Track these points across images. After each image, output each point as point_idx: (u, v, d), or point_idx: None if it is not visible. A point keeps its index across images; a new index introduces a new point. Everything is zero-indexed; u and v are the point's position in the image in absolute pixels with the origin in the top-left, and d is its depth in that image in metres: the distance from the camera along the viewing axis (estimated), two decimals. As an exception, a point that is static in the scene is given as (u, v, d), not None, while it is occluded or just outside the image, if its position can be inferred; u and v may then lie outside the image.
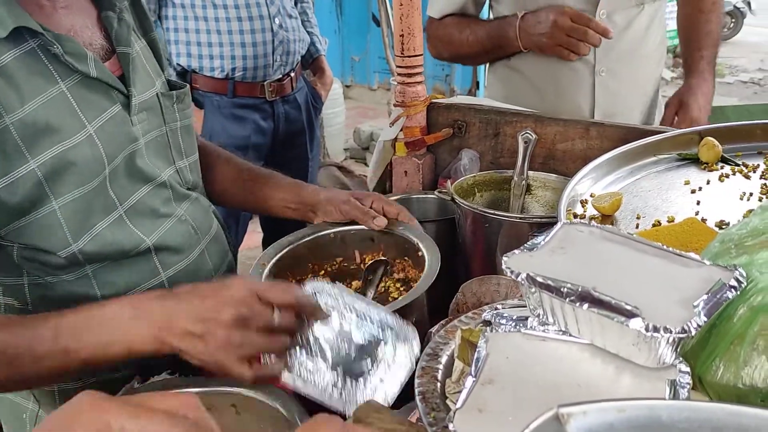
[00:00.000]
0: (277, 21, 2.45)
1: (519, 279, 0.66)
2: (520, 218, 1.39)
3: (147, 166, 1.11)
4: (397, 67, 1.70)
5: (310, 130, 2.71)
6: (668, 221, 1.15)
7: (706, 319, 0.59)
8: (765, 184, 1.24)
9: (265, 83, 2.46)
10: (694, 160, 1.37)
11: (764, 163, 1.32)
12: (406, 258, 1.29)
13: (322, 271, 1.32)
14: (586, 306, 0.62)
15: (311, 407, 1.02)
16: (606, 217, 1.20)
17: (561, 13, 1.64)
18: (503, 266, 0.68)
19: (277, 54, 2.48)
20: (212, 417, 0.78)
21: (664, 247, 0.69)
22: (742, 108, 3.61)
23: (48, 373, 0.91)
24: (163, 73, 1.22)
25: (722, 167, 1.33)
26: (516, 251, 0.71)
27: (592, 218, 1.20)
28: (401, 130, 1.74)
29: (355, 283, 1.32)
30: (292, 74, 2.57)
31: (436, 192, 1.53)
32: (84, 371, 1.02)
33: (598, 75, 1.77)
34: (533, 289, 0.66)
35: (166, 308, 0.89)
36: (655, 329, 0.58)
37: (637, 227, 1.16)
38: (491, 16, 1.92)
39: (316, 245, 1.30)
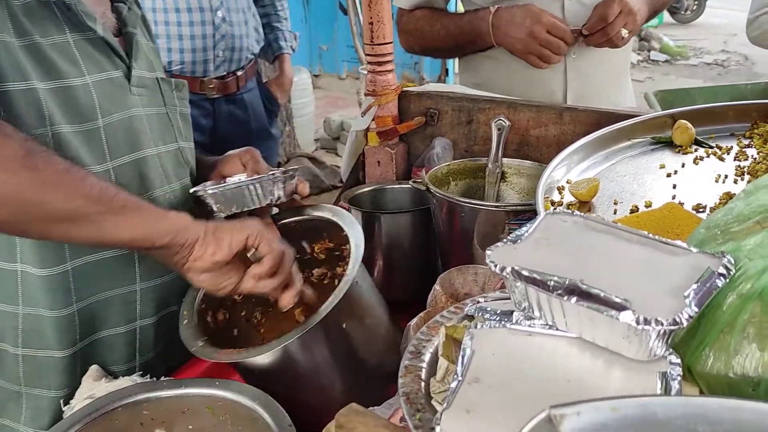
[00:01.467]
0: (219, 14, 2.33)
1: (504, 273, 0.64)
2: (496, 206, 1.37)
3: (148, 135, 1.16)
4: (367, 55, 1.67)
5: (263, 133, 2.60)
6: (646, 206, 1.14)
7: (697, 309, 0.57)
8: (739, 166, 1.24)
9: (205, 79, 2.35)
10: (668, 144, 1.36)
11: (737, 144, 1.32)
12: (348, 244, 1.24)
13: None
14: (574, 299, 0.60)
15: (289, 409, 1.00)
16: (583, 204, 1.18)
17: (538, 23, 1.61)
18: (487, 260, 0.66)
19: (219, 49, 2.35)
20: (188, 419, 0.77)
21: (650, 235, 0.67)
22: (708, 90, 3.65)
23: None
24: (161, 70, 1.27)
25: (696, 150, 1.33)
26: (499, 244, 0.68)
27: (569, 205, 1.18)
28: (373, 119, 1.71)
29: (317, 271, 1.28)
30: (240, 73, 2.44)
31: (410, 182, 1.50)
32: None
33: (570, 57, 1.75)
34: (519, 283, 0.64)
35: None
36: (646, 322, 0.56)
37: (615, 213, 1.14)
38: (458, 9, 1.89)
39: None
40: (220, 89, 2.39)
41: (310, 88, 5.06)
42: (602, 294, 0.58)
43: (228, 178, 1.26)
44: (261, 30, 2.58)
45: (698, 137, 1.35)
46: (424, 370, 0.71)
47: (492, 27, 1.70)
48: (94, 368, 1.09)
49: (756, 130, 1.35)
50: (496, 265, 0.64)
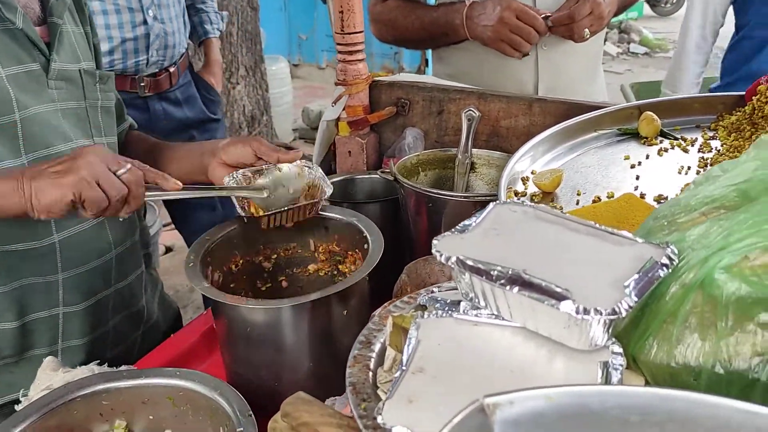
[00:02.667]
0: (150, 13, 2.21)
1: (449, 263, 0.64)
2: (464, 197, 1.37)
3: (63, 129, 1.14)
4: (338, 44, 1.66)
5: (204, 122, 2.50)
6: (608, 197, 1.14)
7: (636, 299, 0.57)
8: (703, 158, 1.25)
9: (137, 77, 2.24)
10: (634, 135, 1.37)
11: (702, 136, 1.33)
12: (357, 250, 1.26)
13: (274, 255, 1.28)
14: (516, 289, 0.59)
15: (250, 398, 1.00)
16: (547, 194, 1.18)
17: (507, 8, 1.60)
18: (433, 249, 0.65)
19: (153, 49, 2.24)
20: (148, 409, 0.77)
21: (597, 225, 0.67)
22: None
23: None
24: (93, 60, 1.25)
25: (661, 141, 1.33)
26: (447, 233, 0.68)
27: (533, 196, 1.18)
28: (344, 109, 1.70)
29: (312, 267, 1.31)
30: (172, 69, 2.34)
31: (378, 172, 1.49)
32: None
33: (541, 49, 1.75)
34: (464, 273, 0.64)
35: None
36: (585, 311, 0.56)
37: (577, 203, 1.15)
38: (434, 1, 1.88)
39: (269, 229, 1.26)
40: (152, 87, 2.29)
41: (288, 77, 5.02)
42: (544, 284, 0.58)
43: (252, 170, 1.22)
44: (188, 20, 2.48)
45: (664, 129, 1.36)
46: (372, 360, 0.70)
47: (465, 19, 1.69)
48: (50, 359, 1.08)
49: (721, 122, 1.36)
50: (441, 255, 0.64)
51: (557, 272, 0.60)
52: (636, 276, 0.59)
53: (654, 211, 0.71)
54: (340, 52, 1.66)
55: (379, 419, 0.58)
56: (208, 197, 1.19)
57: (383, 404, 0.59)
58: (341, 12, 1.61)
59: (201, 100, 2.50)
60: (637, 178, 1.20)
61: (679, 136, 1.34)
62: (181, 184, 1.06)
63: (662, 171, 1.22)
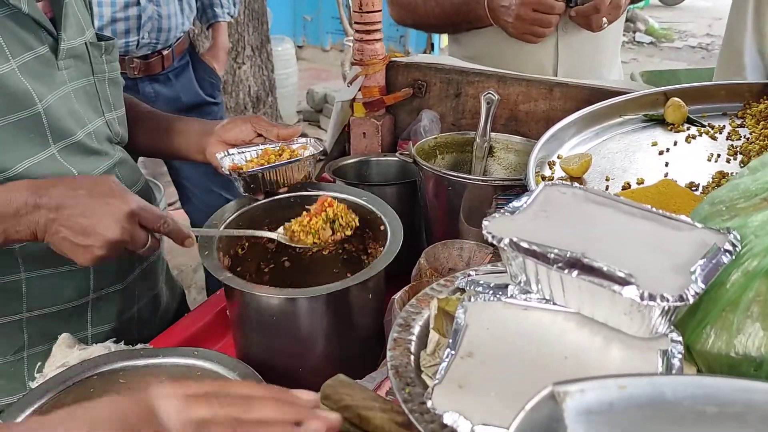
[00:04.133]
0: None
1: (501, 244, 0.61)
2: (484, 181, 1.34)
3: (77, 112, 1.09)
4: (355, 23, 1.62)
5: (199, 105, 2.45)
6: (638, 183, 1.12)
7: (703, 285, 0.55)
8: (732, 146, 1.22)
9: (126, 58, 2.17)
10: (660, 121, 1.34)
11: (729, 124, 1.31)
12: (367, 230, 1.24)
13: None
14: (575, 273, 0.57)
15: (269, 377, 0.98)
16: (574, 179, 1.16)
17: (522, 3, 1.61)
18: (483, 230, 0.63)
19: (144, 32, 2.17)
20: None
21: (653, 209, 0.65)
22: (694, 72, 3.65)
23: None
24: (93, 26, 1.19)
25: (688, 128, 1.31)
26: (496, 214, 0.65)
27: (560, 180, 1.16)
28: (359, 90, 1.66)
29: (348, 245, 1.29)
30: (165, 52, 2.27)
31: (397, 154, 1.46)
32: None
33: (561, 33, 1.72)
34: (517, 255, 0.61)
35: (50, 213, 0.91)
36: (651, 297, 0.54)
37: (607, 189, 1.12)
38: None
39: (273, 208, 1.24)
40: (142, 69, 2.22)
41: (293, 59, 4.96)
42: (605, 268, 0.56)
43: (244, 148, 1.22)
44: (193, 3, 2.41)
45: (690, 116, 1.33)
46: (413, 344, 0.68)
47: (489, 10, 1.68)
48: (65, 336, 1.05)
49: (749, 110, 1.34)
50: (493, 236, 0.62)
51: (616, 256, 0.58)
52: (701, 261, 0.56)
53: (709, 196, 0.69)
54: (357, 31, 1.62)
55: (429, 404, 0.56)
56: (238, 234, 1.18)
57: (432, 389, 0.57)
58: (360, -10, 1.57)
59: (199, 84, 2.44)
60: (666, 164, 1.17)
61: (706, 123, 1.31)
62: (194, 238, 1.05)
63: (691, 158, 1.19)
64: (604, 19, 1.62)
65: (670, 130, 1.31)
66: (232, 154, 1.22)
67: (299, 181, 1.24)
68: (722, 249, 0.58)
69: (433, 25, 1.90)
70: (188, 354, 1.05)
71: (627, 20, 7.87)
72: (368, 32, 1.62)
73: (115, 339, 1.10)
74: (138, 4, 2.13)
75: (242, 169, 1.18)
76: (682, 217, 0.63)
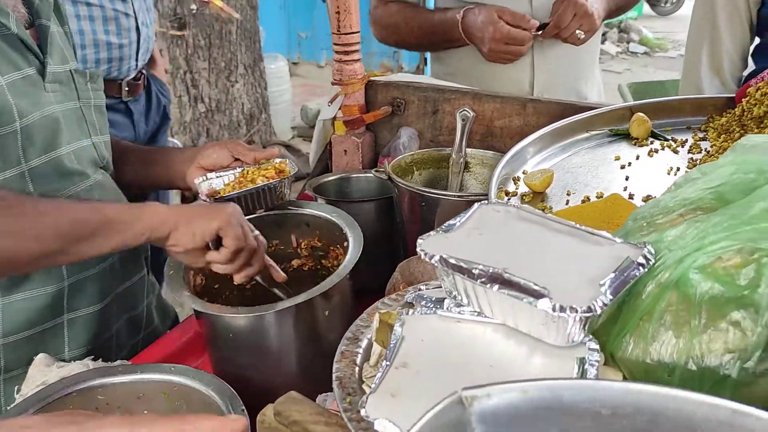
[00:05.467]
0: (140, 18, 2.19)
1: (432, 261, 0.66)
2: (456, 196, 1.38)
3: (61, 132, 1.13)
4: (334, 44, 1.68)
5: (166, 117, 2.50)
6: (597, 197, 1.16)
7: (612, 297, 0.59)
8: (692, 159, 1.26)
9: (122, 81, 2.20)
10: (626, 136, 1.38)
11: (692, 138, 1.35)
12: (338, 246, 1.28)
13: None
14: (496, 287, 0.61)
15: (243, 394, 1.02)
16: (537, 194, 1.20)
17: (495, 23, 1.66)
18: (417, 248, 0.67)
19: (141, 54, 2.23)
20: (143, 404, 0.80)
21: (578, 226, 0.69)
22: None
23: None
24: (75, 59, 1.25)
25: (652, 142, 1.35)
26: (432, 233, 0.70)
27: (524, 195, 1.20)
28: (340, 108, 1.72)
29: (295, 262, 1.33)
30: (144, 71, 2.32)
31: (372, 171, 1.51)
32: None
33: (537, 49, 1.77)
34: (447, 271, 0.65)
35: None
36: (562, 309, 0.58)
37: (567, 203, 1.16)
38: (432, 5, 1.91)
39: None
40: (132, 92, 2.26)
41: (287, 75, 5.03)
42: (522, 282, 0.60)
43: (222, 172, 1.27)
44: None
45: (655, 130, 1.37)
46: (359, 356, 0.72)
47: (462, 31, 1.74)
48: (42, 356, 1.09)
49: (711, 124, 1.38)
50: (426, 254, 0.66)
51: (536, 271, 0.62)
52: (612, 275, 0.61)
53: (634, 213, 0.73)
54: (336, 52, 1.68)
55: (363, 412, 0.60)
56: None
57: (366, 398, 0.61)
58: (338, 12, 1.63)
59: (158, 96, 2.50)
60: (627, 178, 1.21)
61: (669, 137, 1.35)
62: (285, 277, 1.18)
63: (651, 172, 1.24)
64: (579, 31, 1.66)
65: (635, 144, 1.35)
66: (210, 178, 1.27)
67: (276, 202, 1.28)
68: (635, 262, 0.62)
69: (414, 45, 1.96)
70: (165, 370, 1.08)
71: (620, 30, 7.93)
72: (347, 53, 1.68)
73: (93, 357, 1.14)
74: (138, 29, 2.19)
75: (219, 193, 1.23)
76: (603, 233, 0.67)
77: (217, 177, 1.27)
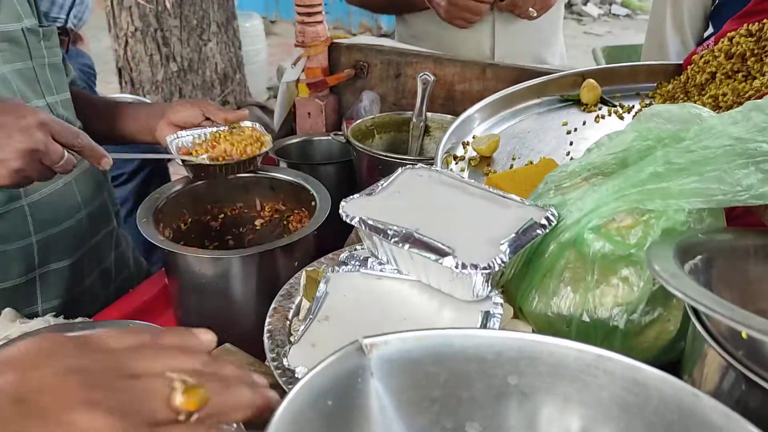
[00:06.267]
0: None
1: (353, 222, 0.70)
2: (413, 160, 1.42)
3: (14, 92, 1.12)
4: (297, 5, 1.69)
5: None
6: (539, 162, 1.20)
7: (511, 255, 0.64)
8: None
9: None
10: (577, 102, 1.42)
11: (639, 104, 1.39)
12: (303, 209, 1.32)
13: (221, 214, 1.34)
14: (407, 246, 0.66)
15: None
16: (484, 158, 1.24)
17: None
18: (340, 210, 0.72)
19: (73, 11, 2.25)
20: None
21: (492, 189, 0.74)
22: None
23: None
24: (34, 15, 1.22)
25: (600, 108, 1.39)
26: (355, 195, 0.74)
27: (471, 159, 1.24)
28: (303, 71, 1.74)
29: (258, 222, 1.36)
30: (68, 37, 2.29)
31: (332, 135, 1.55)
32: None
33: (498, 14, 1.79)
34: (366, 232, 0.70)
35: None
36: (464, 266, 0.63)
37: (512, 167, 1.21)
38: None
39: (216, 188, 1.31)
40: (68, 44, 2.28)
41: (262, 35, 4.95)
42: (431, 242, 0.65)
43: (193, 131, 1.27)
44: None
45: (605, 96, 1.41)
46: (291, 311, 0.77)
47: None
48: (8, 311, 1.13)
49: (659, 90, 1.42)
50: (347, 215, 0.71)
51: (446, 231, 0.67)
52: (513, 235, 0.66)
53: (546, 176, 0.77)
54: (299, 14, 1.69)
55: (285, 361, 0.66)
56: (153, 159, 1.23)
57: (289, 348, 0.67)
58: (300, -26, 1.64)
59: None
60: (571, 144, 1.26)
61: (617, 104, 1.39)
62: (110, 159, 1.07)
63: (595, 137, 1.27)
64: (531, 9, 1.70)
65: (584, 110, 1.39)
66: (182, 136, 1.27)
67: (249, 170, 1.30)
68: (537, 223, 0.67)
69: (377, 6, 1.97)
70: (123, 326, 1.13)
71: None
72: (309, 14, 1.69)
73: (54, 313, 1.18)
74: None
75: (191, 153, 1.24)
76: (513, 196, 0.72)
77: (188, 135, 1.27)
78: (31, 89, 1.18)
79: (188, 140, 1.28)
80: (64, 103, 1.27)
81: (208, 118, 1.31)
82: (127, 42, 3.57)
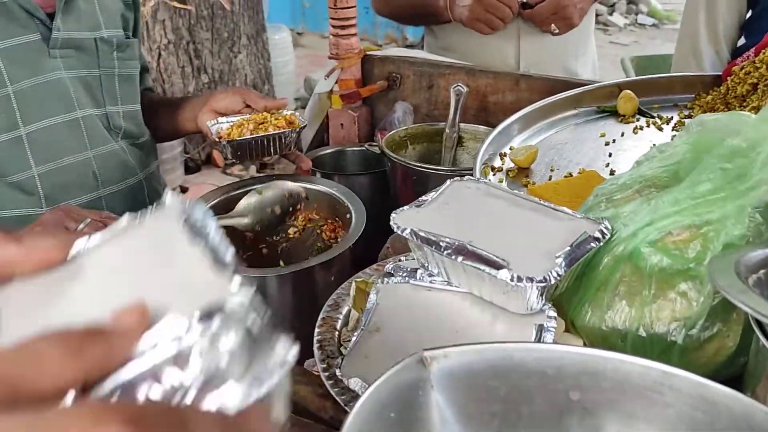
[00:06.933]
0: None
1: (404, 234, 0.70)
2: (447, 171, 1.42)
3: (67, 98, 1.16)
4: (331, 18, 1.70)
5: None
6: (579, 173, 1.20)
7: (566, 269, 0.64)
8: (675, 136, 1.29)
9: None
10: (613, 113, 1.41)
11: (678, 115, 1.38)
12: (336, 218, 1.33)
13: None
14: (461, 258, 0.66)
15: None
16: (522, 170, 1.24)
17: (477, 1, 1.68)
18: (391, 222, 0.72)
19: None
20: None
21: (541, 201, 0.74)
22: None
23: None
24: (130, 29, 1.28)
25: (638, 119, 1.38)
26: (405, 207, 0.74)
27: (509, 171, 1.24)
28: (336, 82, 1.75)
29: (291, 230, 1.36)
30: None
31: (366, 145, 1.55)
32: None
33: (523, 24, 1.80)
34: (418, 243, 0.70)
35: None
36: (519, 279, 0.63)
37: (550, 179, 1.20)
38: None
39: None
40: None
41: (290, 46, 5.01)
42: (485, 254, 0.65)
43: (232, 118, 1.29)
44: None
45: (642, 107, 1.40)
46: (339, 321, 0.78)
47: (448, 4, 1.77)
48: None
49: (697, 101, 1.41)
50: (398, 227, 0.71)
51: (499, 244, 0.66)
52: (568, 248, 0.65)
53: (596, 189, 0.77)
54: (333, 27, 1.71)
55: (338, 372, 0.66)
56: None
57: (342, 360, 0.67)
58: (335, -13, 1.65)
59: None
60: (609, 155, 1.25)
61: (656, 115, 1.38)
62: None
63: (634, 149, 1.27)
64: (554, 26, 1.71)
65: (621, 121, 1.38)
66: (221, 122, 1.29)
67: (285, 151, 1.31)
68: (591, 236, 0.67)
69: (405, 18, 1.99)
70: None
71: (629, 2, 7.82)
72: (343, 27, 1.70)
73: None
74: None
75: (230, 136, 1.25)
76: (564, 208, 0.72)
77: (228, 122, 1.29)
78: (90, 96, 1.21)
79: (226, 125, 1.29)
80: (128, 114, 1.29)
81: (248, 106, 1.33)
82: (160, 54, 3.64)
